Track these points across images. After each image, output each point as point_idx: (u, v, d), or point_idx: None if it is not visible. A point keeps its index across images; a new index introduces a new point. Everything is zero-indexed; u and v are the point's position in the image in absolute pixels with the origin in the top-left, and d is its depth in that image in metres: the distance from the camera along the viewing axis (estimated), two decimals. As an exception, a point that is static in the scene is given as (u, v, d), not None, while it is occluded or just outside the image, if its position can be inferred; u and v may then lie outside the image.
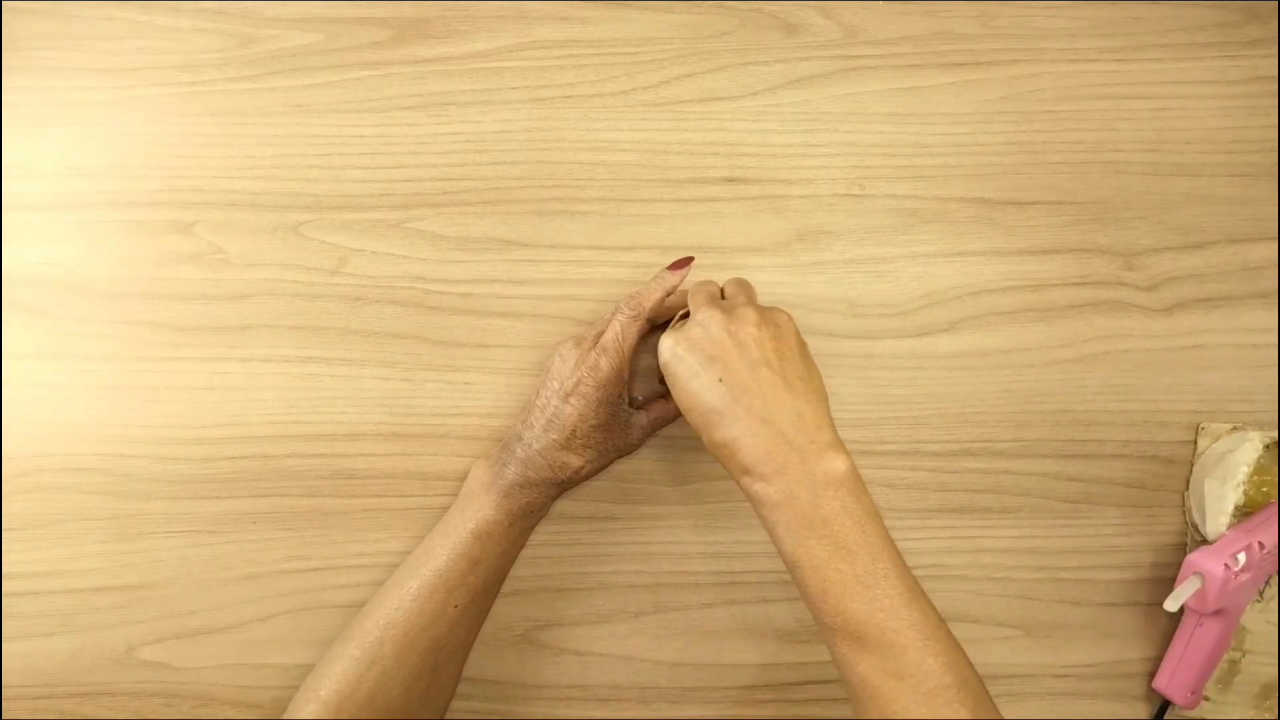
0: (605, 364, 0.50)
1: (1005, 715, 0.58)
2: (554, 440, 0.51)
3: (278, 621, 0.56)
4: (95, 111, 0.58)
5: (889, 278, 0.58)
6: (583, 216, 0.58)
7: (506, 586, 0.56)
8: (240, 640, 0.56)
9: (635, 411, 0.53)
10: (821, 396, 0.46)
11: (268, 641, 0.56)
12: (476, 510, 0.51)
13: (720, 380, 0.44)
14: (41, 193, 0.57)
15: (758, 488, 0.43)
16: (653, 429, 0.55)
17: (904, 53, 0.59)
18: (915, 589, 0.42)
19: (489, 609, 0.54)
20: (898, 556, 0.42)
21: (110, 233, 0.57)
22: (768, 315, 0.47)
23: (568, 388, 0.51)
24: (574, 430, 0.50)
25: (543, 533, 0.57)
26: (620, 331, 0.51)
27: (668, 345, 0.47)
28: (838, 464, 0.43)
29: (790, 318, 0.48)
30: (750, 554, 0.58)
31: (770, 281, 0.58)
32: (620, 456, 0.54)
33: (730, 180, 0.58)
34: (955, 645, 0.42)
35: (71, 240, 0.57)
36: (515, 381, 0.57)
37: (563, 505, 0.57)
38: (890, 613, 0.41)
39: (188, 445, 0.57)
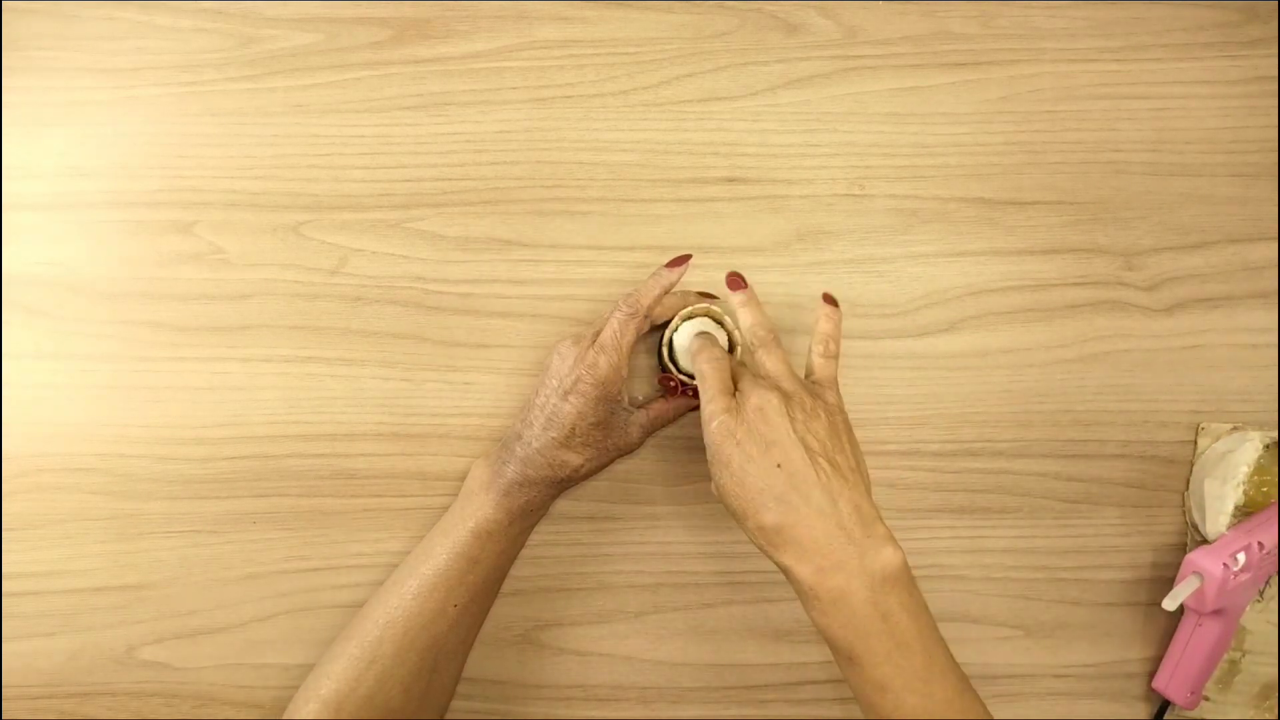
0: (604, 362, 0.50)
1: (1006, 715, 0.58)
2: (553, 439, 0.51)
3: (278, 621, 0.56)
4: (95, 111, 0.58)
5: (889, 278, 0.58)
6: (583, 216, 0.58)
7: (506, 586, 0.56)
8: (240, 640, 0.56)
9: (634, 410, 0.53)
10: (869, 485, 0.45)
11: (268, 641, 0.56)
12: (476, 509, 0.52)
13: (779, 466, 0.43)
14: (41, 193, 0.57)
15: (810, 580, 0.42)
16: (652, 428, 0.54)
17: (904, 53, 0.59)
18: (965, 682, 0.43)
19: (489, 608, 0.54)
20: (947, 650, 0.43)
21: (110, 233, 0.57)
22: (819, 400, 0.46)
23: (566, 385, 0.50)
24: (573, 428, 0.50)
25: (543, 533, 0.57)
26: (618, 329, 0.51)
27: (723, 426, 0.45)
28: (895, 559, 0.42)
29: (839, 399, 0.48)
30: (750, 554, 0.57)
31: (770, 281, 0.58)
32: (620, 456, 0.54)
33: (730, 180, 0.58)
34: None
35: (71, 240, 0.57)
36: (515, 381, 0.57)
37: (563, 505, 0.57)
38: (945, 706, 0.41)
39: (188, 445, 0.57)
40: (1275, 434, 0.56)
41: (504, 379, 0.57)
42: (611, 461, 0.54)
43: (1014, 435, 0.58)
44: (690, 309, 0.54)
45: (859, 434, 0.57)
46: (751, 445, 0.44)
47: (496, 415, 0.57)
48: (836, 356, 0.50)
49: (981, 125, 0.59)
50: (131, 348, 0.57)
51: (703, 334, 0.53)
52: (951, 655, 0.43)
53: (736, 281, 0.51)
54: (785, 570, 0.44)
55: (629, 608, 0.57)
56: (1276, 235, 0.58)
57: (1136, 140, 0.59)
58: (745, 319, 0.50)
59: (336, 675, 0.49)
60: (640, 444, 0.54)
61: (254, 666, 0.56)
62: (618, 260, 0.58)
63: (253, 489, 0.57)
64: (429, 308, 0.57)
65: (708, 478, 0.57)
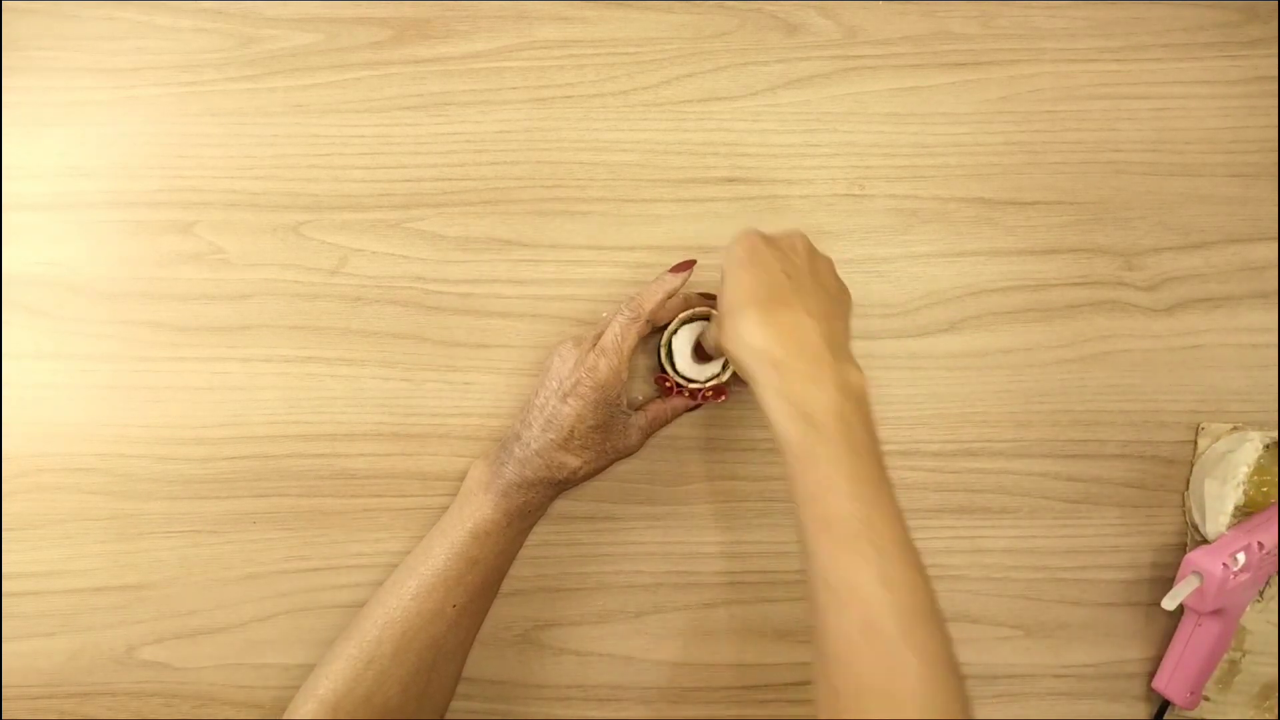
0: (604, 365, 0.50)
1: (1006, 715, 0.58)
2: (552, 440, 0.51)
3: (278, 621, 0.56)
4: (95, 111, 0.58)
5: (889, 278, 0.58)
6: (583, 216, 0.58)
7: (506, 586, 0.56)
8: (240, 640, 0.56)
9: (634, 413, 0.53)
10: (849, 324, 0.48)
11: (268, 641, 0.56)
12: (474, 510, 0.52)
13: (785, 273, 0.46)
14: (41, 193, 0.57)
15: (784, 369, 0.43)
16: (651, 430, 0.54)
17: (904, 53, 0.59)
18: (900, 509, 0.43)
19: (487, 609, 0.54)
20: (889, 476, 0.43)
21: (110, 233, 0.57)
22: (839, 278, 0.50)
23: (566, 388, 0.51)
24: (572, 431, 0.50)
25: (543, 533, 0.57)
26: (620, 333, 0.51)
27: (746, 230, 0.47)
28: (861, 379, 0.44)
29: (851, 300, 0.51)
30: (750, 554, 0.58)
31: (770, 281, 0.58)
32: (619, 458, 0.54)
33: (730, 180, 0.58)
34: (929, 577, 0.42)
35: (71, 240, 0.57)
36: (515, 381, 0.57)
37: (563, 505, 0.57)
38: (888, 523, 0.41)
39: (188, 445, 0.57)
40: (1275, 434, 0.56)
41: (504, 379, 0.57)
42: (611, 464, 0.54)
43: (1014, 435, 0.58)
44: (690, 311, 0.54)
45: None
46: (767, 251, 0.46)
47: (496, 415, 0.57)
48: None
49: (981, 125, 0.59)
50: (131, 348, 0.57)
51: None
52: (894, 488, 0.43)
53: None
54: (753, 364, 0.44)
55: (629, 608, 0.57)
56: (1276, 235, 0.58)
57: (1136, 140, 0.59)
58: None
59: (335, 675, 0.49)
60: (640, 446, 0.54)
61: (254, 666, 0.56)
62: (618, 260, 0.58)
63: (253, 489, 0.57)
64: (429, 308, 0.57)
65: (708, 478, 0.57)
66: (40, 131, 0.57)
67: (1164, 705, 0.57)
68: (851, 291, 0.57)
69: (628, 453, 0.54)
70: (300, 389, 0.57)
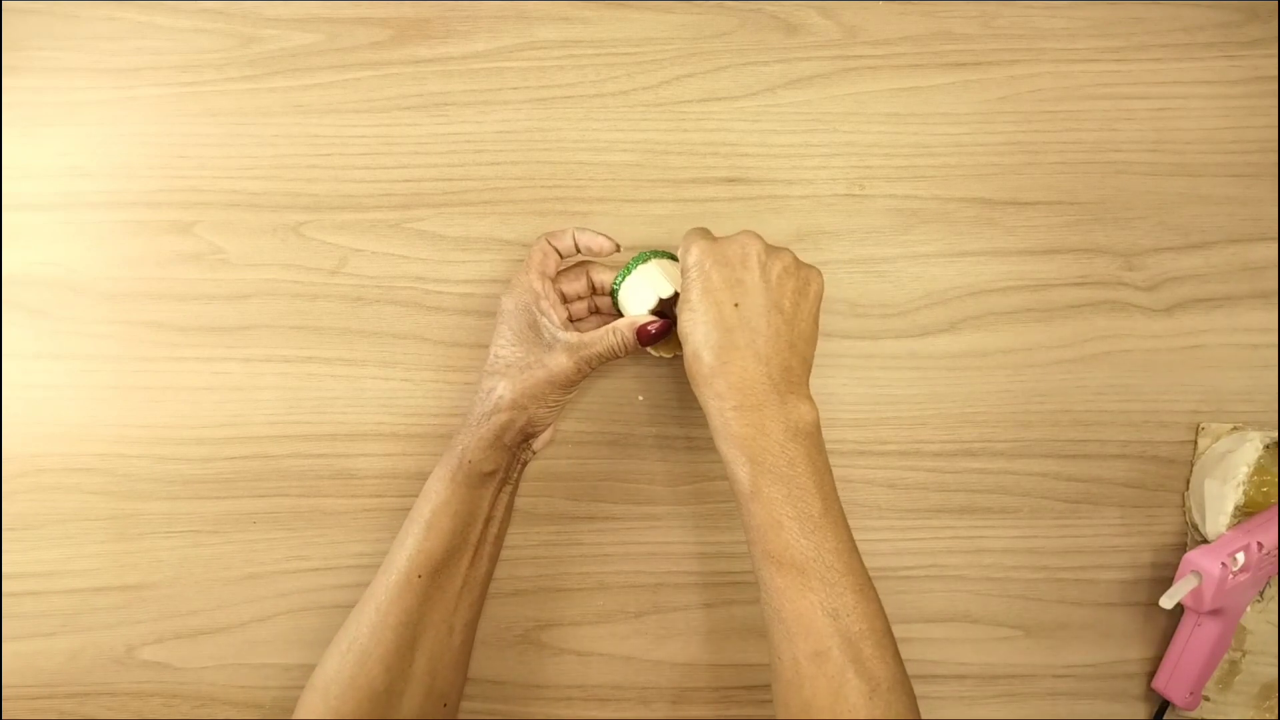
0: (518, 278, 0.51)
1: (1006, 715, 0.58)
2: (484, 371, 0.51)
3: (278, 621, 0.56)
4: (95, 111, 0.58)
5: (889, 278, 0.58)
6: (583, 216, 0.58)
7: (507, 586, 0.56)
8: (240, 640, 0.56)
9: (560, 329, 0.51)
10: (810, 364, 0.48)
11: (268, 641, 0.56)
12: (432, 479, 0.51)
13: (736, 306, 0.46)
14: (41, 193, 0.57)
15: (729, 415, 0.45)
16: (584, 355, 0.50)
17: (904, 53, 0.59)
18: (853, 541, 0.45)
19: (464, 583, 0.51)
20: (841, 509, 0.46)
21: (110, 233, 0.57)
22: (802, 268, 0.48)
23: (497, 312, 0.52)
24: (495, 353, 0.51)
25: (543, 533, 0.57)
26: (540, 253, 0.52)
27: (699, 250, 0.47)
28: (810, 414, 0.46)
29: (822, 281, 0.49)
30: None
31: (770, 281, 0.58)
32: (556, 391, 0.51)
33: (730, 180, 0.58)
34: (878, 598, 0.45)
35: (71, 240, 0.57)
36: (515, 381, 0.57)
37: (563, 505, 0.57)
38: (835, 555, 0.44)
39: (188, 445, 0.57)
40: (1275, 434, 0.56)
41: (504, 379, 0.57)
42: (548, 398, 0.51)
43: (1014, 435, 0.58)
44: (644, 252, 0.53)
45: (858, 433, 0.57)
46: (719, 276, 0.46)
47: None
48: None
49: (981, 125, 0.59)
50: (131, 348, 0.57)
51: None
52: (844, 515, 0.46)
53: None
54: (706, 404, 0.46)
55: (629, 608, 0.57)
56: (1276, 235, 0.58)
57: (1136, 140, 0.59)
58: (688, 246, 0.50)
59: (323, 663, 0.49)
60: (575, 372, 0.50)
61: (254, 666, 0.56)
62: (617, 260, 0.58)
63: (253, 489, 0.57)
64: (429, 308, 0.57)
65: (708, 478, 0.58)
66: (40, 131, 0.57)
67: (1164, 705, 0.57)
68: (851, 291, 0.58)
69: (562, 378, 0.50)
70: (300, 389, 0.57)
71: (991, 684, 0.58)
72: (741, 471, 0.45)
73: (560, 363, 0.50)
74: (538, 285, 0.52)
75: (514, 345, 0.51)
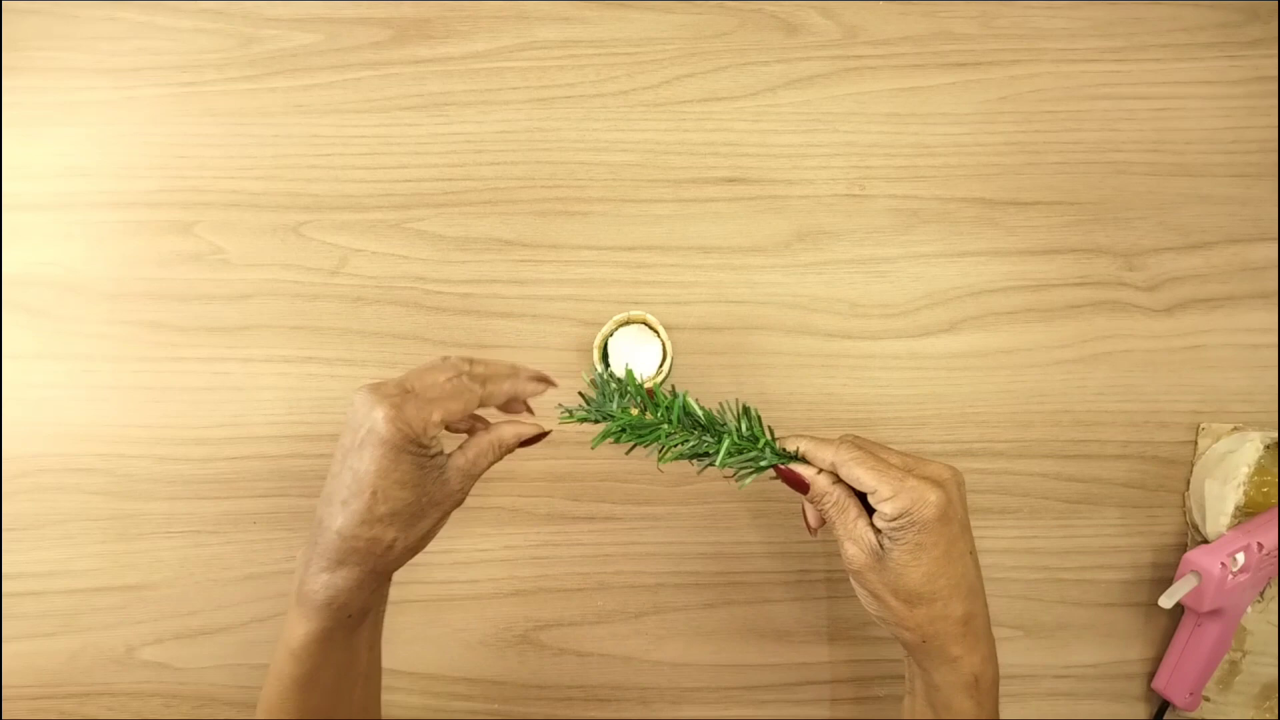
0: (411, 408, 0.40)
1: (1006, 715, 0.58)
2: (355, 513, 0.40)
3: (278, 622, 0.56)
4: (95, 111, 0.58)
5: (889, 278, 0.58)
6: (583, 216, 0.58)
7: (507, 586, 0.56)
8: (240, 640, 0.56)
9: (447, 456, 0.43)
10: None
11: (268, 641, 0.56)
12: (289, 626, 0.42)
13: (972, 553, 0.43)
14: (41, 193, 0.57)
15: (979, 669, 0.43)
16: (476, 472, 0.44)
17: (904, 53, 0.59)
18: None
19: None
20: None
21: (110, 233, 0.57)
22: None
23: (359, 438, 0.41)
24: (374, 492, 0.40)
25: (543, 533, 0.57)
26: (442, 381, 0.43)
27: (941, 503, 0.41)
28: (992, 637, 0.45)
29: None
30: (750, 554, 0.58)
31: (770, 281, 0.58)
32: (445, 514, 0.44)
33: (730, 180, 0.58)
34: None
35: (71, 240, 0.57)
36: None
37: (563, 505, 0.57)
38: None
39: (188, 445, 0.57)
40: (1276, 434, 0.56)
41: (504, 379, 0.57)
42: (438, 524, 0.44)
43: (1014, 435, 0.58)
44: (626, 314, 0.55)
45: (859, 434, 0.57)
46: (959, 526, 0.42)
47: (496, 416, 0.57)
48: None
49: (981, 125, 0.59)
50: (131, 348, 0.57)
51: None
52: None
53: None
54: (951, 660, 0.43)
55: (629, 608, 0.57)
56: (1276, 235, 0.58)
57: (1136, 140, 0.59)
58: (809, 448, 0.45)
59: None
60: (463, 493, 0.44)
61: (254, 666, 0.56)
62: (618, 260, 0.58)
63: (253, 489, 0.57)
64: (429, 308, 0.57)
65: (708, 478, 0.57)
66: (40, 131, 0.57)
67: (1164, 705, 0.57)
68: (852, 291, 0.58)
69: (451, 503, 0.44)
70: (300, 389, 0.57)
71: (992, 684, 0.58)
72: (971, 713, 0.43)
73: (454, 489, 0.43)
74: (434, 422, 0.41)
75: (402, 487, 0.40)
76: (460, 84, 0.58)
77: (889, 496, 0.41)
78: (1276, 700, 0.57)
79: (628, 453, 0.46)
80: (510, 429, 0.45)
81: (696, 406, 0.46)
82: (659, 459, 0.46)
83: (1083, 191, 0.59)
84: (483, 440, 0.44)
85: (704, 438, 0.46)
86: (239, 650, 0.56)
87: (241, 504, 0.57)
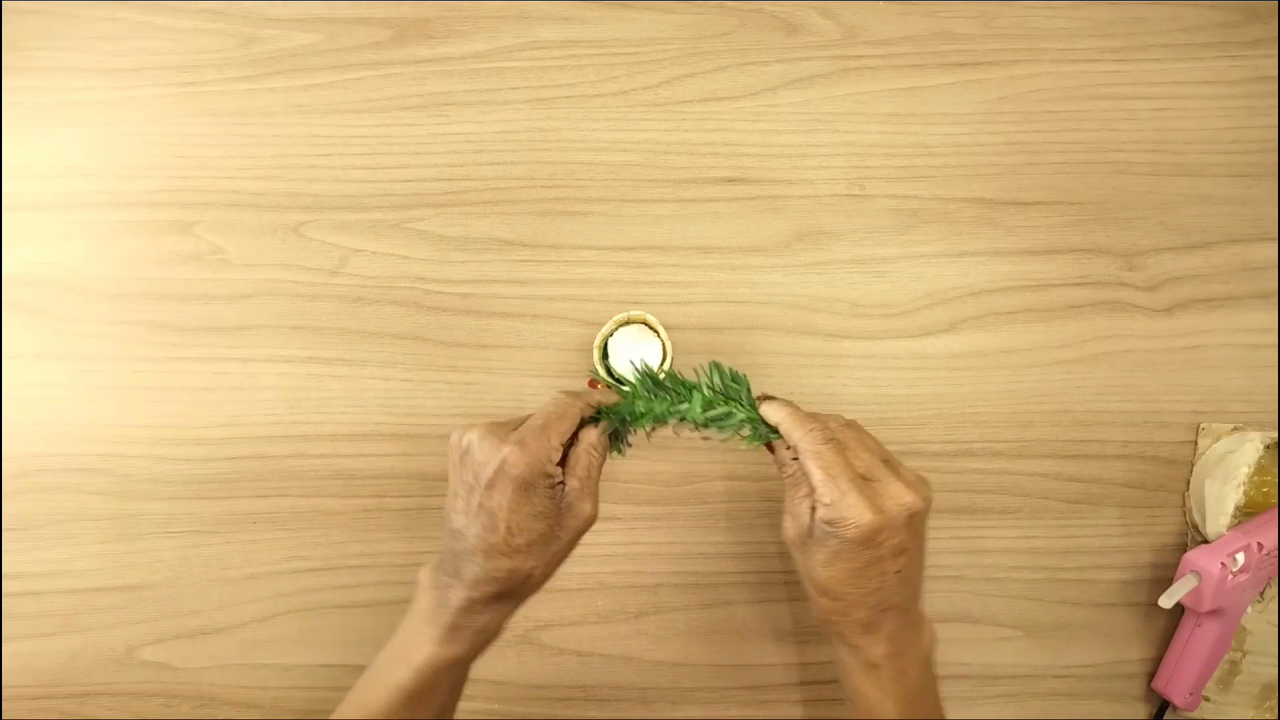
0: (535, 442, 0.43)
1: (1005, 715, 0.58)
2: (493, 545, 0.42)
3: (278, 621, 0.56)
4: (95, 111, 0.58)
5: (889, 278, 0.58)
6: (583, 216, 0.58)
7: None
8: (240, 640, 0.56)
9: (564, 483, 0.44)
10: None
11: (268, 641, 0.56)
12: (421, 645, 0.44)
13: (898, 573, 0.43)
14: (41, 193, 0.57)
15: (880, 660, 0.44)
16: (593, 485, 0.45)
17: (904, 53, 0.59)
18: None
19: None
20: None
21: (110, 233, 0.57)
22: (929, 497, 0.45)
23: (488, 476, 0.42)
24: (509, 527, 0.42)
25: (543, 533, 0.57)
26: (557, 411, 0.44)
27: (872, 527, 0.42)
28: (934, 634, 0.46)
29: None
30: (750, 554, 0.58)
31: (770, 281, 0.58)
32: (579, 536, 0.45)
33: (730, 180, 0.58)
34: None
35: (71, 240, 0.57)
36: (515, 382, 0.57)
37: (563, 505, 0.57)
38: None
39: (188, 445, 0.57)
40: (1276, 434, 0.56)
41: (504, 379, 0.57)
42: (568, 548, 0.45)
43: (1014, 435, 0.58)
44: (626, 314, 0.55)
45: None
46: (888, 550, 0.43)
47: (496, 416, 0.57)
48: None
49: (981, 125, 0.59)
50: (131, 348, 0.57)
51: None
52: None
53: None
54: (851, 646, 0.44)
55: (629, 608, 0.57)
56: (1276, 235, 0.58)
57: (1136, 140, 0.59)
58: (784, 423, 0.45)
59: None
60: (593, 510, 0.45)
61: (254, 667, 0.56)
62: (618, 260, 0.58)
63: (253, 489, 0.57)
64: (429, 308, 0.57)
65: (708, 478, 0.57)
66: (40, 131, 0.57)
67: (1164, 705, 0.57)
68: (852, 291, 0.58)
69: (584, 524, 0.45)
70: (300, 389, 0.57)
71: (992, 684, 0.58)
72: (885, 705, 0.44)
73: (586, 514, 0.45)
74: (556, 450, 0.44)
75: (534, 520, 0.43)
76: (460, 84, 0.58)
77: (825, 503, 0.42)
78: (1276, 700, 0.57)
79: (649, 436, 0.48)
80: (585, 428, 0.46)
81: (664, 373, 0.48)
82: (647, 432, 0.47)
83: (1083, 191, 0.59)
84: (578, 452, 0.45)
85: (678, 403, 0.47)
86: (239, 650, 0.56)
87: (241, 504, 0.57)
